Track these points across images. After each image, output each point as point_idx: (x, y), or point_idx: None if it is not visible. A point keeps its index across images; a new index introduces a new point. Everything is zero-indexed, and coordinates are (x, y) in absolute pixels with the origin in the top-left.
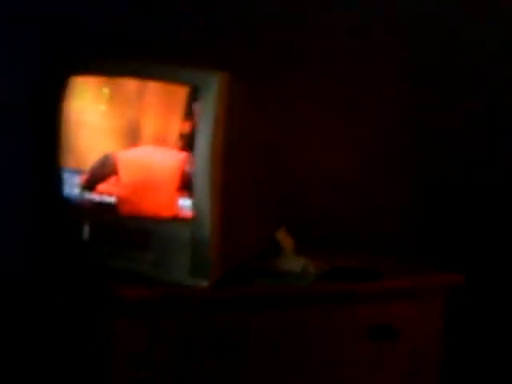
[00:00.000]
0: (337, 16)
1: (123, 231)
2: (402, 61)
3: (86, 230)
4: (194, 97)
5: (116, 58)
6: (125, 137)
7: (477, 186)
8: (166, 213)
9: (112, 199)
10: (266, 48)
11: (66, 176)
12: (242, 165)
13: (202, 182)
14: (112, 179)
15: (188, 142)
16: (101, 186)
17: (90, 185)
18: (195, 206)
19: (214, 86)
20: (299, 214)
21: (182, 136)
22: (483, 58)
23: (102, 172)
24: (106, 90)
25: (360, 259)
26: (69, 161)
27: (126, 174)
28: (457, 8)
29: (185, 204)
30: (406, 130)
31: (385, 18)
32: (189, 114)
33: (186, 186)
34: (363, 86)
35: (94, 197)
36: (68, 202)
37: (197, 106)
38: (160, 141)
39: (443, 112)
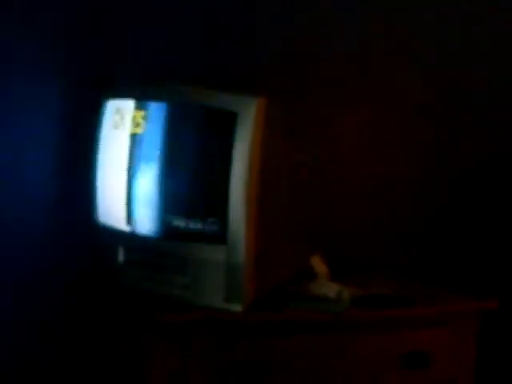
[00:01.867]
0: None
1: (158, 255)
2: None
3: (121, 254)
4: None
5: (153, 83)
6: None
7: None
8: None
9: None
10: (302, 72)
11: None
12: (277, 189)
13: (237, 207)
14: None
15: None
16: None
17: None
18: (230, 231)
19: (251, 111)
20: (333, 239)
21: None
22: None
23: None
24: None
25: (394, 286)
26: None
27: None
28: None
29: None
30: (440, 158)
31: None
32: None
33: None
34: (400, 111)
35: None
36: (103, 225)
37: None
38: None
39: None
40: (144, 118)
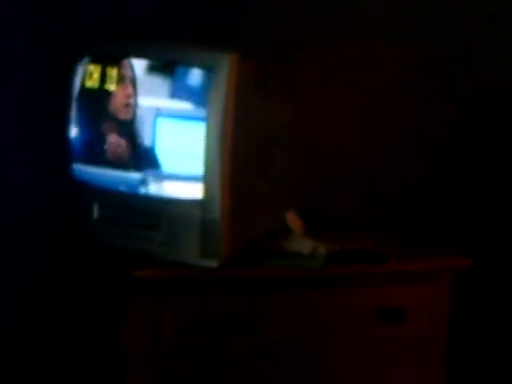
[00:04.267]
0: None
1: (133, 211)
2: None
3: (96, 210)
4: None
5: (125, 40)
6: None
7: (486, 171)
8: None
9: None
10: (276, 28)
11: (76, 155)
12: (252, 146)
13: (212, 163)
14: None
15: None
16: None
17: None
18: (205, 187)
19: (225, 66)
20: (309, 195)
21: None
22: None
23: None
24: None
25: (369, 242)
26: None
27: None
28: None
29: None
30: (418, 120)
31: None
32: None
33: None
34: (376, 69)
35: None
36: (78, 182)
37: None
38: None
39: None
40: (117, 74)
